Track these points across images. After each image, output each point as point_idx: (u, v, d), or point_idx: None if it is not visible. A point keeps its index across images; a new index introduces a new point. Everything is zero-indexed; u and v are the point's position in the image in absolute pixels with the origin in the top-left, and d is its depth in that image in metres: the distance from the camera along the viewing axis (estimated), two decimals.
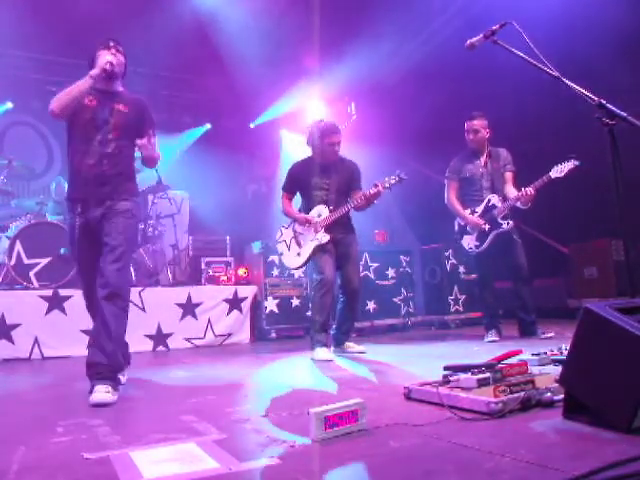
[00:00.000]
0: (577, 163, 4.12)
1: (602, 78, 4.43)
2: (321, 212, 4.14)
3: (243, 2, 6.30)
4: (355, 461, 1.54)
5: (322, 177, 4.19)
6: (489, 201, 4.51)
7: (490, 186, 4.57)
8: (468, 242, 4.62)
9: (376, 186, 3.91)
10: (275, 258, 5.93)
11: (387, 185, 3.94)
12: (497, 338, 4.60)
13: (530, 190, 4.22)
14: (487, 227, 4.45)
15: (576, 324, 1.81)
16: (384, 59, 7.42)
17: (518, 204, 4.35)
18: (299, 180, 4.25)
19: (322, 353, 3.88)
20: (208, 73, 7.84)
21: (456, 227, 4.73)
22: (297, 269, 4.61)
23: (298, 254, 4.17)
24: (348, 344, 4.24)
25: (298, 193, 4.36)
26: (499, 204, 4.45)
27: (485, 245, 4.50)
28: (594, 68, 4.80)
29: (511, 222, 4.42)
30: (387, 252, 6.48)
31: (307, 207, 4.26)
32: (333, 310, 4.22)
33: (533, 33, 2.44)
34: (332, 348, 4.19)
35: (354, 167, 4.27)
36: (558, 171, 4.18)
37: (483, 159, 4.63)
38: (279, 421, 2.04)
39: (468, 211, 4.59)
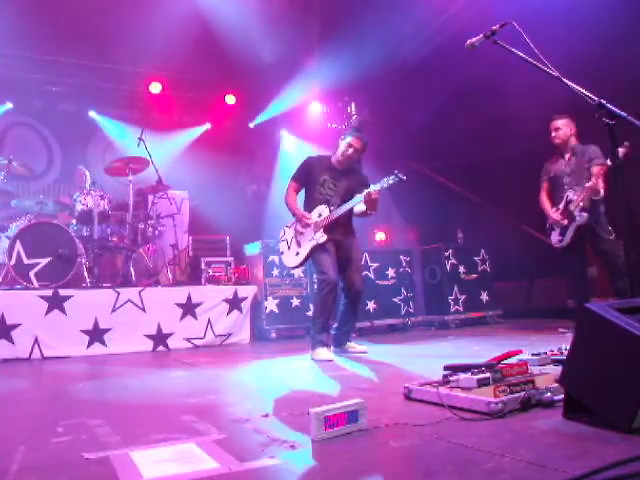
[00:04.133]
0: (627, 145, 4.14)
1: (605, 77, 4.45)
2: (322, 212, 4.12)
3: (243, 1, 6.30)
4: (355, 461, 1.54)
5: (333, 178, 4.18)
6: (567, 197, 4.65)
7: (570, 182, 4.66)
8: (553, 237, 4.78)
9: (374, 192, 3.86)
10: (275, 258, 5.93)
11: (385, 185, 3.90)
12: None
13: (593, 180, 4.38)
14: (566, 221, 4.60)
15: (576, 324, 1.81)
16: (384, 58, 7.42)
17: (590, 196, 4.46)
18: (311, 172, 4.23)
19: (323, 353, 3.88)
20: (208, 73, 7.85)
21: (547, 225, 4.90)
22: (294, 268, 4.61)
23: (297, 253, 4.17)
24: (350, 344, 4.24)
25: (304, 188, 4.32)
26: (574, 197, 4.59)
27: (567, 239, 4.61)
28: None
29: (584, 214, 4.48)
30: (387, 252, 6.48)
31: (309, 203, 4.24)
32: (334, 310, 4.22)
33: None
34: (332, 348, 4.20)
35: (365, 179, 4.28)
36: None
37: (567, 156, 4.77)
38: (279, 421, 2.04)
39: (554, 209, 4.77)
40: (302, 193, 4.35)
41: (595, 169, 4.57)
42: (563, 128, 4.74)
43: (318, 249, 4.04)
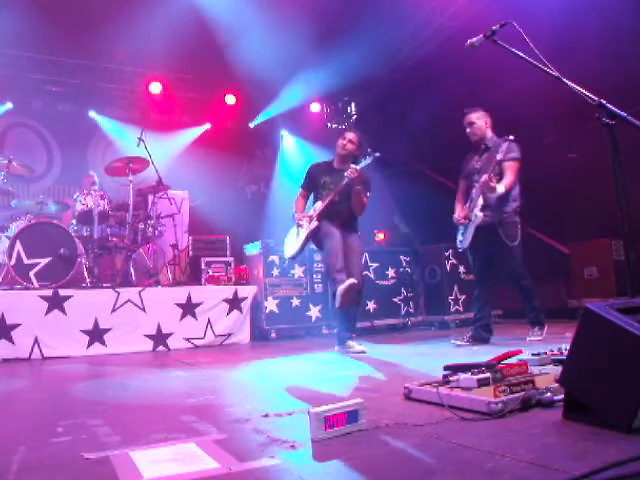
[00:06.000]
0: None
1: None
2: (316, 207, 4.39)
3: (244, 2, 6.29)
4: (355, 461, 1.54)
5: (332, 178, 4.39)
6: (471, 195, 4.39)
7: (479, 179, 4.25)
8: (458, 239, 4.49)
9: (354, 169, 4.11)
10: (275, 258, 5.93)
11: (363, 165, 4.14)
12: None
13: (485, 177, 4.08)
14: (467, 221, 4.32)
15: (576, 324, 1.81)
16: (384, 58, 7.42)
17: (484, 192, 4.18)
18: (314, 178, 4.50)
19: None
20: (208, 73, 7.85)
21: None
22: (292, 257, 4.67)
23: (294, 244, 4.46)
24: (350, 343, 4.28)
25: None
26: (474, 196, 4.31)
27: (466, 241, 4.34)
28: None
29: (479, 215, 4.19)
30: (387, 252, 6.48)
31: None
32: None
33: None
34: (336, 347, 4.28)
35: (364, 174, 4.42)
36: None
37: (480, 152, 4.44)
38: (279, 421, 2.04)
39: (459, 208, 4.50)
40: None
41: (508, 164, 4.21)
42: (477, 122, 4.40)
43: (313, 236, 4.30)
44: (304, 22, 6.10)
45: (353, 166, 4.11)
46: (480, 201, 4.20)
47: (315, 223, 4.26)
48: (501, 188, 4.12)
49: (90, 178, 6.16)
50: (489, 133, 4.45)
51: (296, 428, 1.88)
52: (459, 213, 4.43)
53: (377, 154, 4.16)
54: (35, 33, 6.01)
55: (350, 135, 4.44)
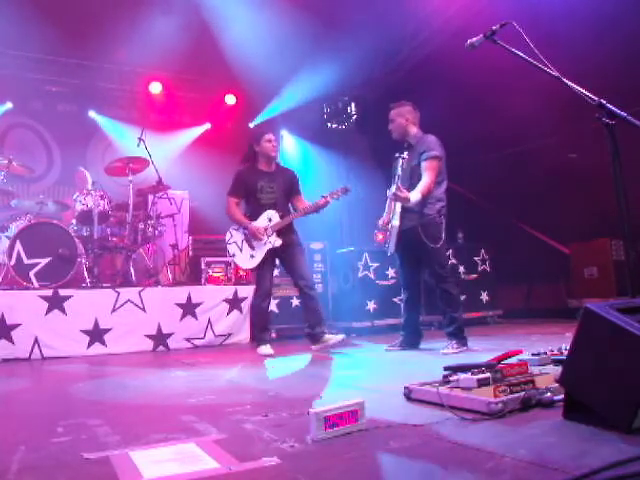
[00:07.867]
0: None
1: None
2: (271, 216, 4.38)
3: (244, 2, 6.30)
4: (355, 461, 1.54)
5: (268, 181, 4.45)
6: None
7: (402, 181, 4.02)
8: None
9: (324, 197, 4.31)
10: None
11: (335, 197, 4.31)
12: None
13: (393, 188, 3.85)
14: (389, 227, 4.06)
15: (576, 324, 1.81)
16: (385, 58, 7.42)
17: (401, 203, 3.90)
18: (246, 184, 4.46)
19: (264, 349, 4.37)
20: (208, 73, 7.85)
21: None
22: (252, 270, 4.66)
23: (252, 256, 4.38)
24: (325, 337, 4.31)
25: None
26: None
27: (391, 246, 4.09)
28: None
29: (395, 224, 3.94)
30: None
31: (254, 210, 4.44)
32: (270, 314, 4.81)
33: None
34: (312, 347, 4.34)
35: (293, 174, 4.63)
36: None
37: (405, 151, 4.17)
38: (279, 421, 2.04)
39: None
40: None
41: (424, 164, 3.93)
42: (397, 119, 4.10)
43: (270, 254, 4.34)
44: (304, 22, 6.10)
45: (324, 198, 4.29)
46: (398, 209, 3.93)
47: (279, 241, 4.32)
48: (415, 196, 3.82)
49: (80, 173, 6.11)
50: (413, 130, 4.15)
51: (296, 428, 1.88)
52: (383, 219, 4.20)
53: (349, 188, 4.39)
54: (35, 33, 6.00)
55: (273, 136, 4.51)
